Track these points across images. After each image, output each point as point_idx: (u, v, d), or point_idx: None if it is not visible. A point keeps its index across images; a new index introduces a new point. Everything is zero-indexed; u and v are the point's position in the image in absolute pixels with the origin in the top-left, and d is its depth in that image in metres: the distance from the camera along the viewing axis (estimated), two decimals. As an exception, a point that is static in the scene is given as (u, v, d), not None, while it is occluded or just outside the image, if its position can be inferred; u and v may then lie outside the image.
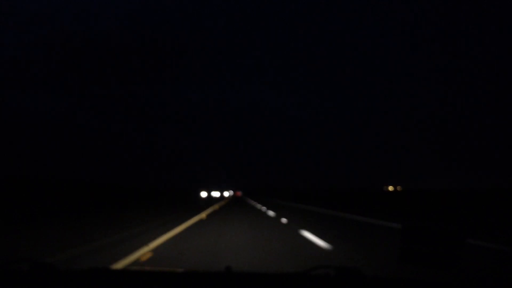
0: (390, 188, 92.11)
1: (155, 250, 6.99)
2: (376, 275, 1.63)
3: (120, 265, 5.57)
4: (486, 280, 4.62)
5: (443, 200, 27.68)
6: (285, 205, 34.59)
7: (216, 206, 29.07)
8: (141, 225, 11.66)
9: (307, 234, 9.56)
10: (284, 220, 14.65)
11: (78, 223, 12.01)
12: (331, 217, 17.86)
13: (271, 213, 20.21)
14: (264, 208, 25.99)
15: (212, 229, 11.17)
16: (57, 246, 7.12)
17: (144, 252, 6.74)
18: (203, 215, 17.81)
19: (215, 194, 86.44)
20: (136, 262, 5.89)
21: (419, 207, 22.23)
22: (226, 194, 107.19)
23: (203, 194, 65.07)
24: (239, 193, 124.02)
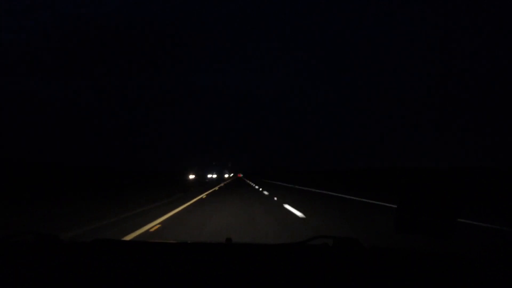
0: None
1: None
2: (374, 245, 1.63)
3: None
4: (479, 250, 5.03)
5: (434, 178, 32.40)
6: (271, 183, 48.67)
7: (221, 184, 41.29)
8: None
9: (265, 192, 22.32)
10: (260, 189, 27.54)
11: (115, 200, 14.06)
12: (292, 189, 30.55)
13: (256, 186, 33.70)
14: (253, 184, 39.72)
15: (226, 186, 23.97)
16: (119, 210, 10.68)
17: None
18: (215, 188, 30.40)
19: (211, 175, 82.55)
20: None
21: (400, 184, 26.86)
22: (226, 175, 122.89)
23: (191, 176, 61.35)
24: (240, 175, 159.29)
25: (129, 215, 9.91)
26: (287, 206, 12.26)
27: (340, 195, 19.80)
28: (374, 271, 1.41)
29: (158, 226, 7.88)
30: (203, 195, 19.38)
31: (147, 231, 7.15)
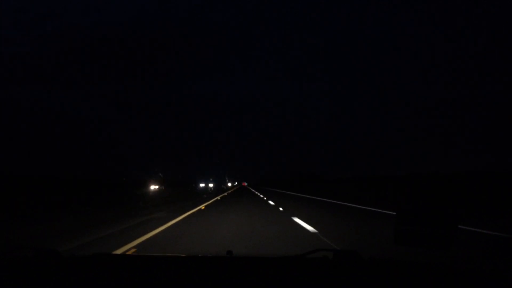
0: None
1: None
2: (374, 257, 1.64)
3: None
4: (479, 261, 4.84)
5: (432, 184, 28.58)
6: (270, 190, 55.42)
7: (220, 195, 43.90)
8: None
9: (262, 195, 28.78)
10: (259, 194, 33.96)
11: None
12: (288, 195, 36.30)
13: (256, 192, 40.61)
14: (254, 191, 46.79)
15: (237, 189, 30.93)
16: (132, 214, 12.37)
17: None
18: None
19: (204, 185, 72.03)
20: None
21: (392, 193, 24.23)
22: (230, 184, 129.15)
23: (152, 187, 51.11)
24: (244, 184, 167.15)
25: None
26: (270, 202, 19.14)
27: (324, 199, 22.60)
28: (373, 284, 1.42)
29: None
30: (230, 190, 20.18)
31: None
